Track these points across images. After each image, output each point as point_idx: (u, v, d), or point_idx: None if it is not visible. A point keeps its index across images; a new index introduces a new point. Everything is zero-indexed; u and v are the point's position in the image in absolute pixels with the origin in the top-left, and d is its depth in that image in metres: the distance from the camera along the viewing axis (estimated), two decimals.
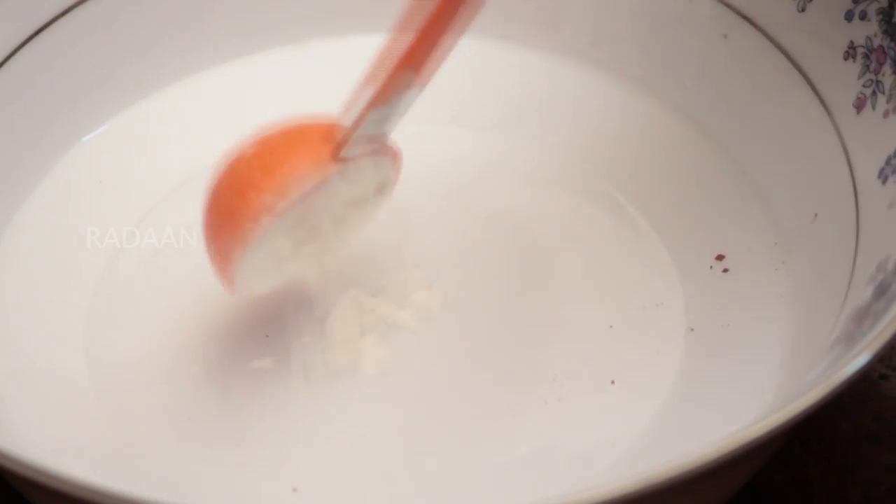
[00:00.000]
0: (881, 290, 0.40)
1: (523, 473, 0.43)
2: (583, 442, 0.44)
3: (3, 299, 0.48)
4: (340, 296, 0.47)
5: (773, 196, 0.49)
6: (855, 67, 0.47)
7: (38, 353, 0.47)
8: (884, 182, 0.44)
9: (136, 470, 0.44)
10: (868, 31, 0.46)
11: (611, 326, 0.47)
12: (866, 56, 0.46)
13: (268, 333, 0.47)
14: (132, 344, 0.48)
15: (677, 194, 0.51)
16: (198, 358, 0.47)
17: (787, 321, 0.45)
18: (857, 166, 0.46)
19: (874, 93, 0.46)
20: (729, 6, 0.52)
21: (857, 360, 0.36)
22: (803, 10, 0.49)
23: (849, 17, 0.47)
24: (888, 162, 0.44)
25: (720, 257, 0.49)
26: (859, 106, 0.46)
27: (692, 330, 0.47)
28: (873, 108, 0.46)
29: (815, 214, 0.47)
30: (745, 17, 0.51)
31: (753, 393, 0.43)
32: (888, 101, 0.45)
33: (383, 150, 0.45)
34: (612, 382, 0.45)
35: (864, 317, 0.40)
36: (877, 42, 0.46)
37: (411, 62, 0.41)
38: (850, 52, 0.47)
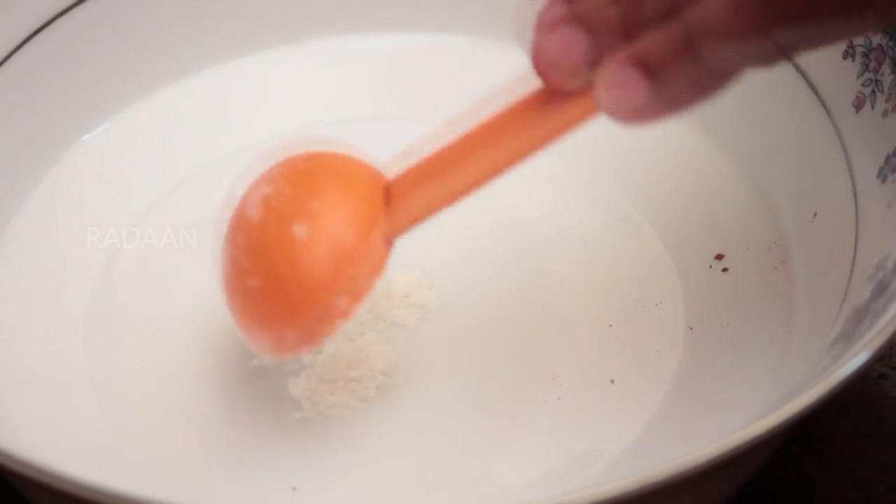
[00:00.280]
0: (880, 289, 0.40)
1: (523, 472, 0.43)
2: (582, 441, 0.44)
3: (2, 298, 0.48)
4: None
5: (773, 195, 0.49)
6: (854, 67, 0.47)
7: (38, 353, 0.47)
8: (883, 181, 0.44)
9: (135, 468, 0.44)
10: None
11: (610, 325, 0.47)
12: (865, 55, 0.46)
13: None
14: (132, 343, 0.48)
15: (677, 193, 0.51)
16: (197, 357, 0.47)
17: (787, 320, 0.45)
18: (857, 165, 0.46)
19: (873, 92, 0.46)
20: None
21: (857, 359, 0.36)
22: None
23: None
24: (887, 161, 0.44)
25: (719, 256, 0.49)
26: (858, 105, 0.46)
27: (691, 329, 0.47)
28: (872, 107, 0.46)
29: (815, 213, 0.47)
30: None
31: (753, 392, 0.43)
32: (887, 101, 0.45)
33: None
34: (612, 381, 0.45)
35: (863, 316, 0.40)
36: (876, 41, 0.46)
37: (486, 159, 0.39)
38: (849, 52, 0.47)
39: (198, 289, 0.48)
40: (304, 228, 0.39)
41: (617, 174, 0.52)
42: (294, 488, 0.43)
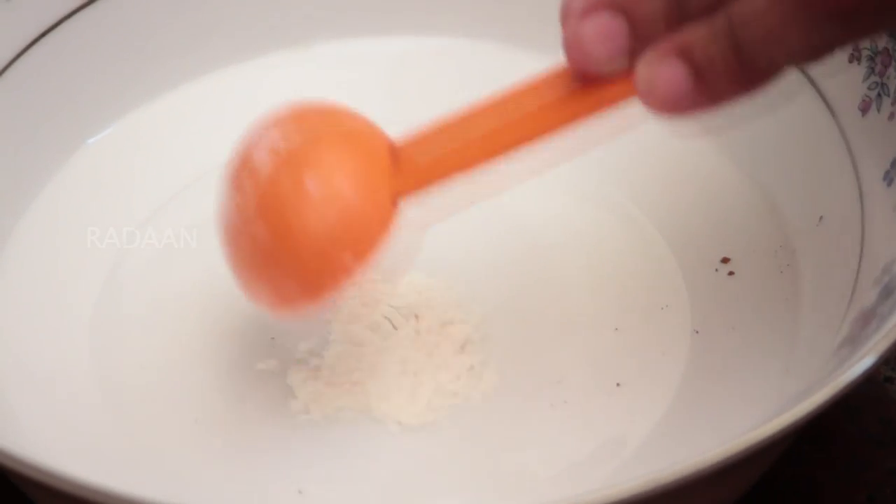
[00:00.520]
0: (887, 293, 0.40)
1: (530, 476, 0.43)
2: (589, 444, 0.44)
3: (9, 300, 0.48)
4: (346, 298, 0.47)
5: (779, 198, 0.49)
6: (860, 70, 0.47)
7: (45, 355, 0.47)
8: (889, 184, 0.44)
9: (141, 471, 0.44)
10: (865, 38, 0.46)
11: (616, 329, 0.47)
12: (871, 59, 0.46)
13: (273, 336, 0.47)
14: (137, 346, 0.48)
15: (683, 197, 0.51)
16: (203, 361, 0.47)
17: (793, 323, 0.45)
18: (863, 168, 0.46)
19: (879, 95, 0.46)
20: None
21: (863, 362, 0.36)
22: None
23: None
24: (893, 164, 0.44)
25: (725, 260, 0.49)
26: (864, 108, 0.46)
27: (697, 332, 0.47)
28: (878, 110, 0.46)
29: (821, 217, 0.47)
30: None
31: (759, 395, 0.43)
32: (893, 104, 0.45)
33: None
34: (618, 385, 0.45)
35: (869, 319, 0.40)
36: (882, 45, 0.46)
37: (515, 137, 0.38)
38: (855, 55, 0.47)
39: (203, 292, 0.48)
40: (313, 181, 0.39)
41: (623, 178, 0.52)
42: (300, 491, 0.43)
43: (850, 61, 0.47)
